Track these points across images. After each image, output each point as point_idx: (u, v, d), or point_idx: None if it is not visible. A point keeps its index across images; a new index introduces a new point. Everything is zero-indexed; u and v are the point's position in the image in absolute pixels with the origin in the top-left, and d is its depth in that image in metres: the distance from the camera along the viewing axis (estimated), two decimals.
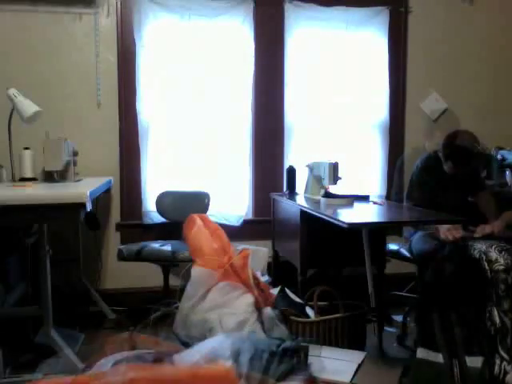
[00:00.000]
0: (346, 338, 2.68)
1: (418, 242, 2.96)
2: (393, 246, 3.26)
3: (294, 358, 2.11)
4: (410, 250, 3.07)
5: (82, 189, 2.51)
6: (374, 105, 3.98)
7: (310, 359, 2.17)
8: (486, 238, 2.74)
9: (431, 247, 2.79)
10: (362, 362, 2.25)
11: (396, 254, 3.22)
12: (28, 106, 3.04)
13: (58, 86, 3.53)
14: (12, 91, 3.04)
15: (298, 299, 2.80)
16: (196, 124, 3.76)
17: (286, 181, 3.62)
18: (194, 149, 3.75)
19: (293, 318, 2.64)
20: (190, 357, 2.16)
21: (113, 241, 3.69)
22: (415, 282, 2.93)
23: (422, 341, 2.64)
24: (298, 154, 3.86)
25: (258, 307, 2.63)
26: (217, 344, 2.24)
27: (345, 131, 3.97)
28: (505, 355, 2.35)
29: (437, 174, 3.05)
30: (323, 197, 3.06)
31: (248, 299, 2.62)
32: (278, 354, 2.14)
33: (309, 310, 2.73)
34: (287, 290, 2.83)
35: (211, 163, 3.79)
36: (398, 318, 3.15)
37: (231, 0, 3.69)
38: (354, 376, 2.16)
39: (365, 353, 2.32)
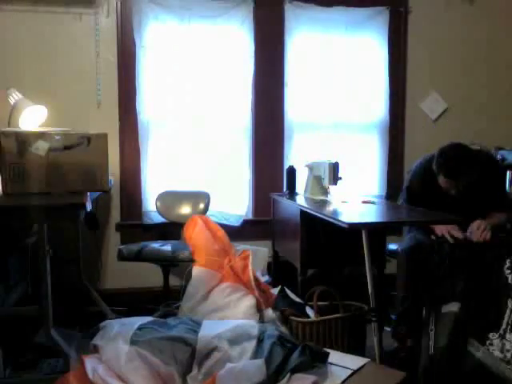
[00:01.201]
0: (345, 338, 2.68)
1: (408, 239, 2.97)
2: (392, 246, 3.26)
3: (311, 357, 2.13)
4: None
5: None
6: (373, 105, 3.98)
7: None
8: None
9: (420, 240, 2.81)
10: (360, 368, 2.22)
11: (394, 254, 3.22)
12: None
13: (58, 86, 3.53)
14: (11, 91, 3.03)
15: (298, 299, 2.80)
16: (196, 124, 3.76)
17: (285, 181, 3.62)
18: (194, 149, 3.75)
19: (293, 318, 2.64)
20: (216, 327, 2.20)
21: (113, 241, 3.69)
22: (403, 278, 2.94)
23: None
24: (298, 154, 3.86)
25: (260, 309, 2.63)
26: (246, 323, 2.35)
27: (345, 131, 3.97)
28: None
29: (433, 187, 2.94)
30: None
31: (249, 301, 2.62)
32: (300, 348, 2.17)
33: (309, 310, 2.73)
34: (287, 290, 2.83)
35: (211, 163, 3.79)
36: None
37: (231, 0, 3.69)
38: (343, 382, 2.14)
39: (367, 360, 2.30)
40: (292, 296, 2.81)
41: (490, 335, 2.41)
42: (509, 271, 2.46)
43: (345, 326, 2.66)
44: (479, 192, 2.93)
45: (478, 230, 2.76)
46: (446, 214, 2.65)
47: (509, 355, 2.30)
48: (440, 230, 2.79)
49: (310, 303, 2.73)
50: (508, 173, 3.65)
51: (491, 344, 2.38)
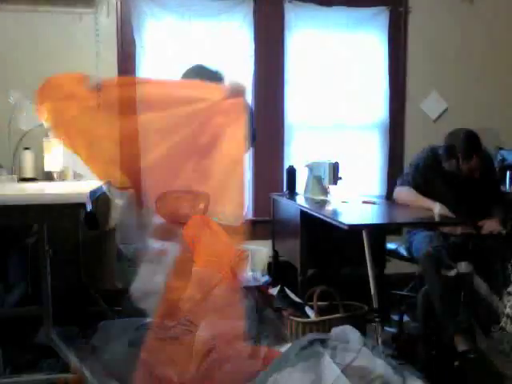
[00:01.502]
0: None
1: (420, 243, 2.98)
2: (390, 246, 3.26)
3: None
4: (408, 250, 3.09)
5: (82, 189, 2.50)
6: (373, 105, 3.98)
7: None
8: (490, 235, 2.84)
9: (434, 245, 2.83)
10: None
11: (393, 253, 3.23)
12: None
13: None
14: (16, 95, 3.01)
15: (298, 299, 2.80)
16: None
17: (286, 181, 3.62)
18: None
19: (293, 318, 2.64)
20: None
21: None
22: (415, 282, 2.95)
23: None
24: (298, 154, 3.86)
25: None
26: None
27: (345, 131, 3.97)
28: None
29: (439, 172, 3.07)
30: None
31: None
32: None
33: (308, 310, 2.73)
34: (287, 290, 2.83)
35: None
36: (396, 317, 3.17)
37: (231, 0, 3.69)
38: None
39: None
40: (292, 296, 2.82)
41: (492, 328, 2.43)
42: None
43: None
44: (482, 181, 3.06)
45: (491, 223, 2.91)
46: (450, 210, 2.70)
47: (508, 347, 2.32)
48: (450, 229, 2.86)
49: (309, 303, 2.74)
50: (508, 173, 3.66)
51: (492, 337, 2.40)
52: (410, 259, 3.05)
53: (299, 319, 2.62)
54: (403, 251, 3.15)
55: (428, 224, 2.87)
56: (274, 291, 2.87)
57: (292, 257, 3.16)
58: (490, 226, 2.94)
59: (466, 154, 2.95)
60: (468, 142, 2.96)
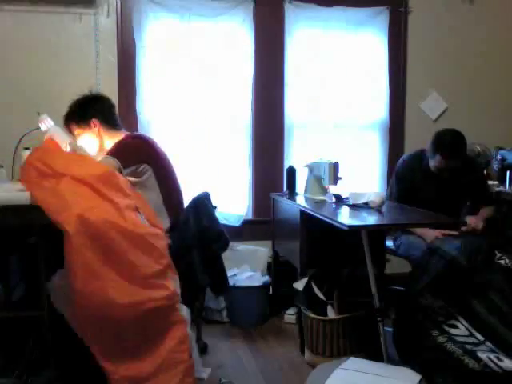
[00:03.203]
0: (352, 337, 2.69)
1: (407, 247, 3.03)
2: (388, 243, 3.28)
3: None
4: (397, 249, 3.20)
5: None
6: (374, 105, 3.98)
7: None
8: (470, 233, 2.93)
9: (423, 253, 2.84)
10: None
11: (390, 251, 3.26)
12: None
13: (58, 86, 3.52)
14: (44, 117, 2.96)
15: (322, 296, 2.78)
16: (196, 124, 3.76)
17: (285, 181, 3.61)
18: (194, 149, 3.75)
19: (313, 316, 2.64)
20: None
21: None
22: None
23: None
24: (298, 154, 3.86)
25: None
26: None
27: (345, 131, 3.97)
28: None
29: (418, 171, 3.15)
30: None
31: None
32: None
33: (329, 309, 2.73)
34: (314, 286, 2.79)
35: (211, 163, 3.79)
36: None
37: (231, 0, 3.69)
38: None
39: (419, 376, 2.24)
40: (317, 292, 2.78)
41: None
42: (502, 261, 2.51)
43: (350, 326, 2.66)
44: (463, 183, 3.14)
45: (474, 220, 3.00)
46: (442, 215, 2.72)
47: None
48: (430, 236, 2.88)
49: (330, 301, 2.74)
50: (508, 173, 3.66)
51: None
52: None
53: (319, 317, 2.63)
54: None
55: (427, 225, 2.88)
56: (299, 286, 2.81)
57: (292, 257, 3.16)
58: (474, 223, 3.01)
59: (432, 151, 3.00)
60: (443, 140, 2.98)
